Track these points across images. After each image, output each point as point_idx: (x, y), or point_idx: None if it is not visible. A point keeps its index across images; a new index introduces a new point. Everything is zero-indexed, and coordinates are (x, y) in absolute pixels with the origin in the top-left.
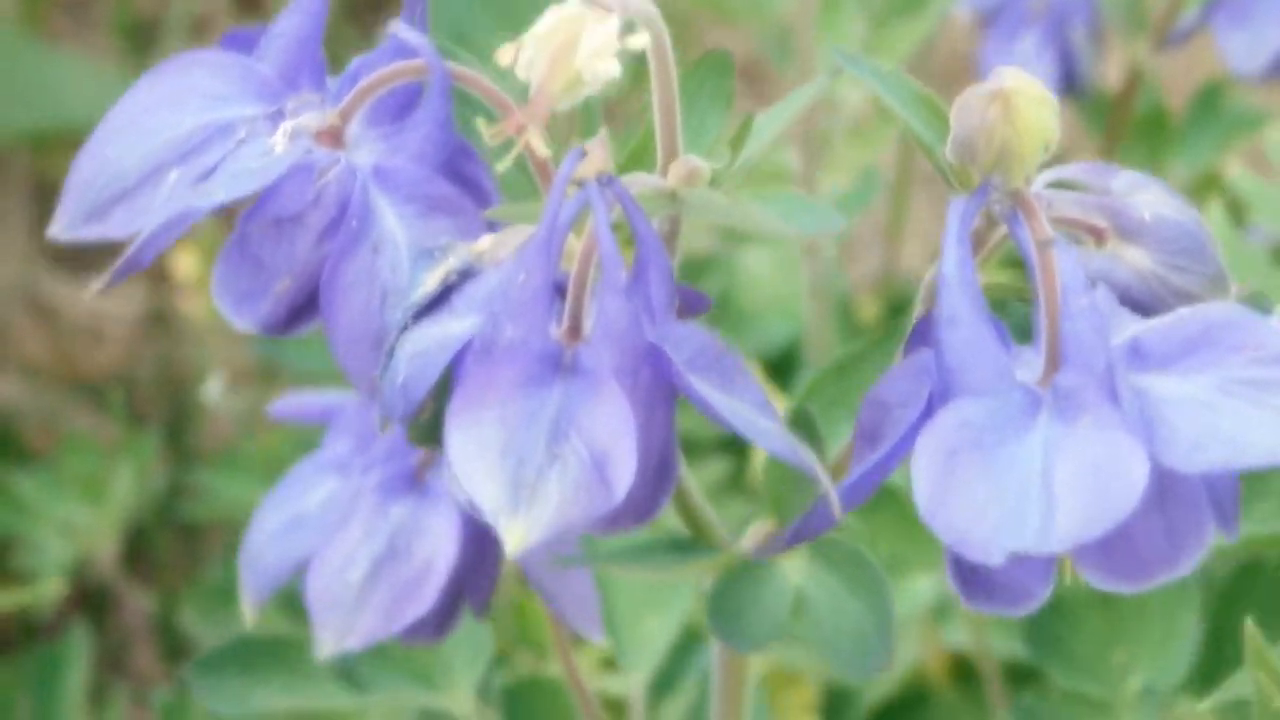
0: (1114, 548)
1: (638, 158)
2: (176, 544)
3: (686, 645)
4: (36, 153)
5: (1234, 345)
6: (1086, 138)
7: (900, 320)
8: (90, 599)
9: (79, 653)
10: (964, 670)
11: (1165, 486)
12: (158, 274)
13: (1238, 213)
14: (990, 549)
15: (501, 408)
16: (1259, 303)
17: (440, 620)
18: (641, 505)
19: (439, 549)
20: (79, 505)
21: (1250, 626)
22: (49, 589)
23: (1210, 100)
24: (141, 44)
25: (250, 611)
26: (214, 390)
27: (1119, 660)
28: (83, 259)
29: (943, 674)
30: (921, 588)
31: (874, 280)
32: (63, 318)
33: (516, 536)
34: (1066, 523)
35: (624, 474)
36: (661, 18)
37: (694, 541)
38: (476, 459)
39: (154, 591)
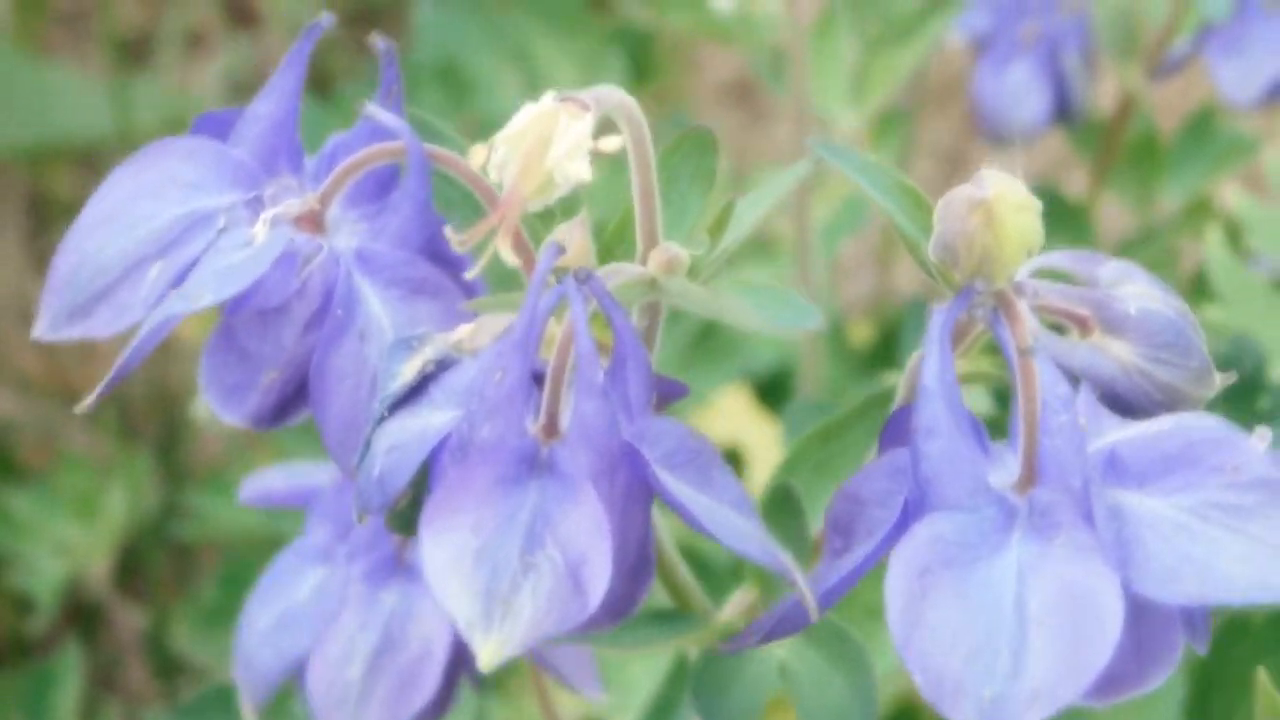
0: None
1: (618, 238)
2: (168, 562)
3: (678, 679)
4: (32, 166)
5: (1214, 466)
6: (1079, 163)
7: (892, 347)
8: (82, 616)
9: (71, 670)
10: None
11: (1138, 608)
12: None
13: (1234, 238)
14: (960, 700)
15: (477, 513)
16: (1244, 345)
17: (442, 701)
18: (618, 604)
19: (435, 632)
20: (72, 523)
21: (1262, 677)
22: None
23: (1202, 126)
24: (135, 57)
25: (251, 715)
26: (206, 409)
27: (1103, 717)
28: None
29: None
30: None
31: (866, 302)
32: None
33: (489, 652)
34: (1039, 674)
35: (599, 582)
36: (646, 41)
37: (676, 614)
38: (450, 571)
39: (146, 609)
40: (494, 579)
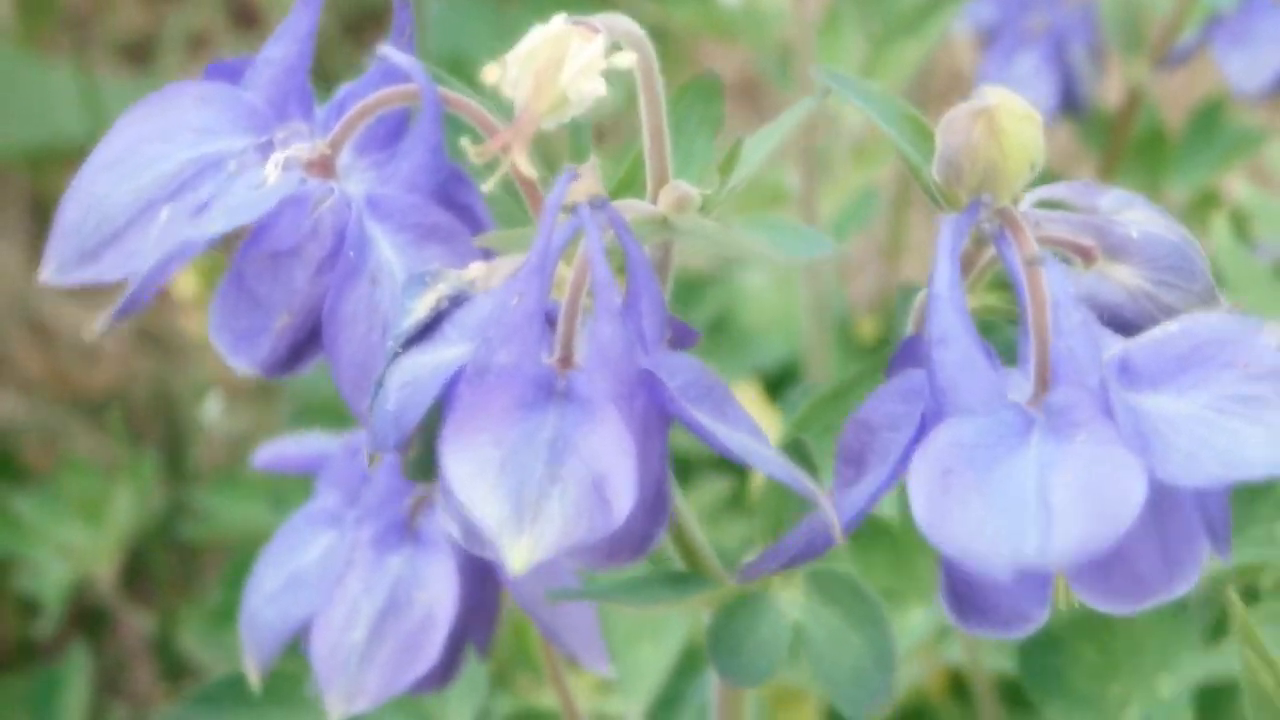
0: (1110, 568)
1: (628, 183)
2: (175, 564)
3: (686, 670)
4: (34, 170)
5: (1226, 362)
6: (1086, 156)
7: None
8: (89, 619)
9: (78, 674)
10: (962, 686)
11: (1160, 505)
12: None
13: (1241, 227)
14: (992, 560)
15: (498, 429)
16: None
17: (445, 669)
18: (638, 537)
19: (439, 598)
20: (78, 526)
21: (1236, 601)
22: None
23: (1209, 119)
24: (139, 60)
25: (255, 675)
26: (213, 410)
27: (1115, 693)
28: None
29: (941, 690)
30: (917, 621)
31: (872, 298)
32: (59, 335)
33: (521, 555)
34: (1066, 535)
35: (625, 495)
36: (651, 37)
37: (690, 575)
38: (476, 478)
39: (152, 612)
40: (521, 485)
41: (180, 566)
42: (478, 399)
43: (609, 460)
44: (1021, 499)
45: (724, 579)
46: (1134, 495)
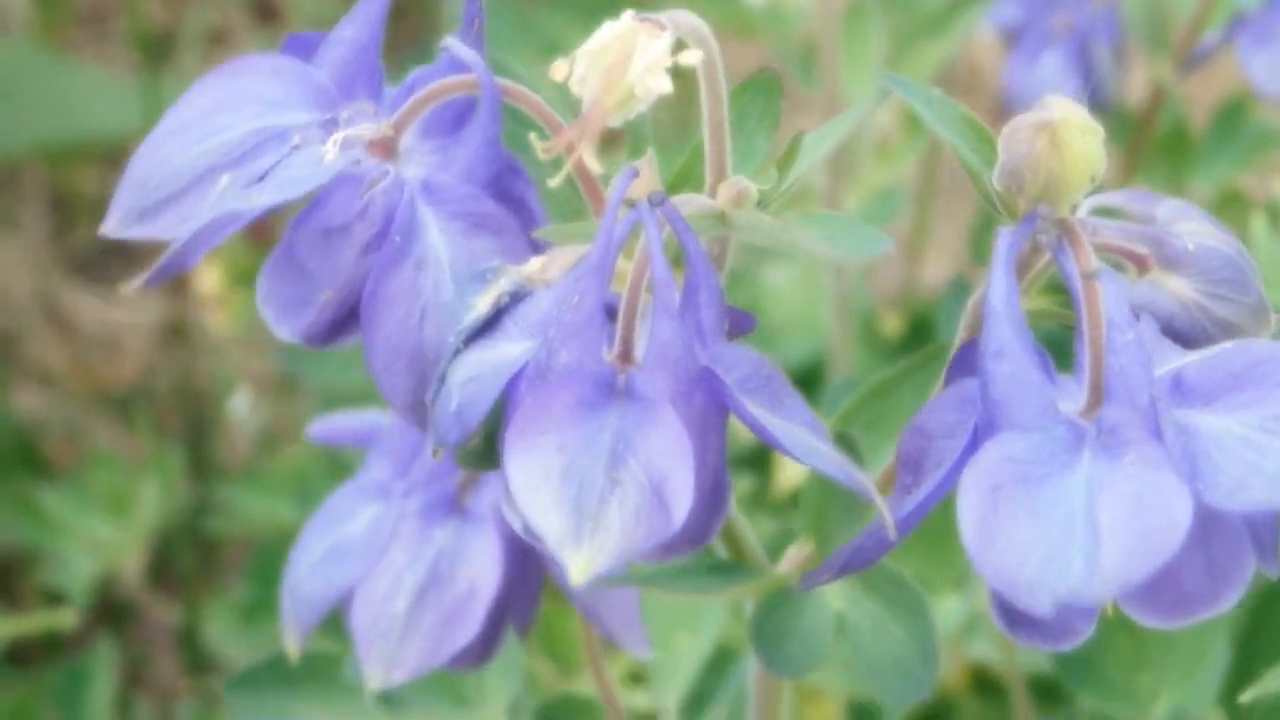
0: (1156, 586)
1: (685, 176)
2: (200, 558)
3: (720, 663)
4: (54, 164)
5: (1278, 382)
6: (1110, 154)
7: (923, 337)
8: (114, 613)
9: (104, 667)
10: (985, 682)
11: (1207, 524)
12: (174, 285)
13: (1275, 223)
14: (1036, 593)
15: (560, 434)
16: None
17: (484, 645)
18: (697, 530)
19: (483, 573)
20: (104, 520)
21: None
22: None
23: (1232, 118)
24: (158, 56)
25: (294, 643)
26: (241, 404)
27: (1147, 683)
28: (101, 270)
29: (964, 686)
30: (950, 608)
31: (895, 294)
32: (81, 329)
33: (581, 566)
34: (1111, 565)
35: (683, 499)
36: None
37: (734, 564)
38: (538, 487)
39: (177, 605)
40: (581, 495)
41: (205, 561)
42: (540, 401)
43: (668, 463)
44: (1070, 520)
45: (768, 568)
46: (1179, 521)
